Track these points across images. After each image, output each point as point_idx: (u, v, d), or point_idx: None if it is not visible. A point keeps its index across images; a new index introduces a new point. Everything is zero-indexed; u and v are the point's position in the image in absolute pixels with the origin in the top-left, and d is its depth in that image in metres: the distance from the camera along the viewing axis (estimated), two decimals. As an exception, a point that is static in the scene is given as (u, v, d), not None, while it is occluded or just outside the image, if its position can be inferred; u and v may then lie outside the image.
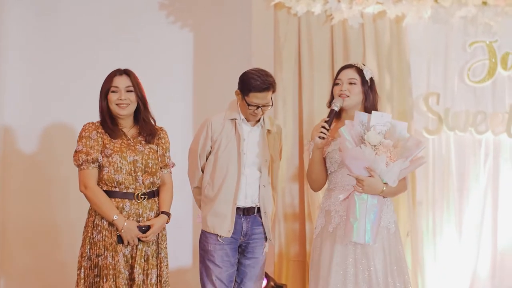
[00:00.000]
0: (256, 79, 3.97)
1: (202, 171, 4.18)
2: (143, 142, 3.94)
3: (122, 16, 5.60)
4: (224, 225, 4.08)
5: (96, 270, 3.78)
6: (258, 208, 4.16)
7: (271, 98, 4.06)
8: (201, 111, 5.48)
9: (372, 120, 3.65)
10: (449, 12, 5.45)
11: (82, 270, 3.81)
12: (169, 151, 4.09)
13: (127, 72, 3.95)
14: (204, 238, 4.16)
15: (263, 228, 4.19)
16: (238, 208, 4.10)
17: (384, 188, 3.62)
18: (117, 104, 3.87)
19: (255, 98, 3.99)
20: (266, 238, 4.21)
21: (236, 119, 4.12)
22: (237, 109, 4.13)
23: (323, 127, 3.77)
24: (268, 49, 5.48)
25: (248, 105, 4.02)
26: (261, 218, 4.16)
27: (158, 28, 5.65)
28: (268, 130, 4.20)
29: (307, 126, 5.42)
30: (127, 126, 3.95)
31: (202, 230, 4.19)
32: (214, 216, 4.10)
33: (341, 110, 3.89)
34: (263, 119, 4.18)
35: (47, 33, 5.52)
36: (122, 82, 3.90)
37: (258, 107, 4.02)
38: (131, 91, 3.91)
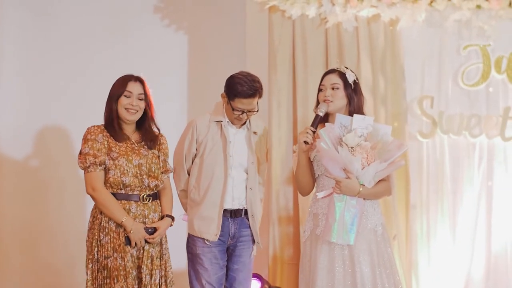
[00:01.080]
0: (242, 85, 3.96)
1: (188, 174, 4.17)
2: (145, 147, 3.99)
3: (117, 19, 5.61)
4: (210, 229, 4.08)
5: (105, 272, 3.82)
6: (246, 211, 4.16)
7: (257, 103, 4.06)
8: (196, 114, 5.44)
9: (354, 123, 3.74)
10: (443, 16, 5.47)
11: (90, 273, 3.84)
12: (168, 156, 4.13)
13: (140, 80, 4.01)
14: (192, 241, 4.16)
15: (251, 230, 4.19)
16: (225, 210, 4.10)
17: (361, 189, 3.69)
18: (126, 109, 3.92)
19: (241, 103, 3.99)
20: (253, 241, 4.22)
21: (221, 121, 4.11)
22: (223, 111, 4.13)
23: (307, 132, 3.81)
24: (263, 52, 5.49)
25: (233, 109, 4.02)
26: (248, 221, 4.17)
27: (153, 31, 5.67)
28: (254, 132, 4.19)
29: (302, 128, 5.37)
30: (130, 131, 3.99)
31: (189, 233, 4.19)
32: (200, 219, 4.10)
33: (327, 115, 3.92)
34: (249, 121, 4.18)
35: (43, 35, 5.53)
36: (136, 88, 3.96)
37: (243, 112, 4.02)
38: (142, 99, 3.97)
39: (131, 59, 5.46)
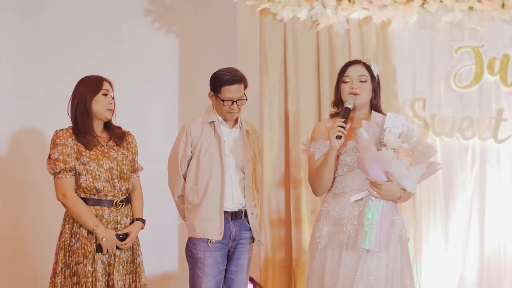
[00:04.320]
0: (225, 74, 4.03)
1: (184, 179, 4.17)
2: (115, 147, 3.95)
3: (108, 22, 5.60)
4: (213, 228, 4.06)
5: (75, 278, 3.78)
6: (246, 212, 4.15)
7: (245, 94, 4.07)
8: (187, 117, 5.46)
9: (386, 122, 3.52)
10: (435, 18, 5.44)
11: (59, 278, 3.80)
12: (137, 155, 4.09)
13: (109, 80, 3.97)
14: (193, 245, 4.13)
15: (251, 232, 4.18)
16: (226, 213, 4.09)
17: (402, 194, 3.51)
18: (108, 109, 3.89)
19: (228, 92, 4.02)
20: (253, 240, 4.21)
21: (214, 121, 4.12)
22: (214, 111, 4.14)
23: (340, 126, 3.54)
24: (254, 54, 5.48)
25: (223, 101, 4.03)
26: (248, 222, 4.16)
27: (144, 34, 5.66)
28: (247, 131, 4.20)
29: (293, 131, 5.42)
30: (98, 130, 3.94)
31: (189, 237, 4.17)
32: (202, 220, 4.08)
33: (342, 108, 3.70)
34: (241, 121, 4.20)
35: (33, 37, 5.51)
36: (110, 88, 3.94)
37: (232, 102, 4.03)
38: (113, 98, 3.95)
39: (121, 62, 5.46)
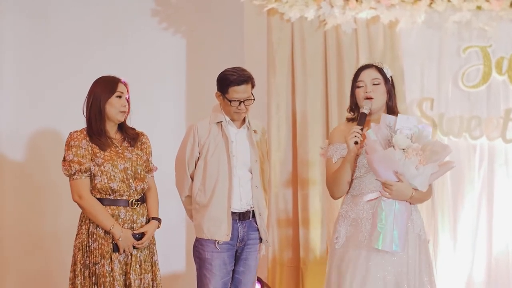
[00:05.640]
0: (232, 74, 4.02)
1: (192, 179, 4.16)
2: (129, 148, 3.97)
3: (115, 22, 5.60)
4: (221, 229, 4.06)
5: (93, 278, 3.81)
6: (253, 213, 4.15)
7: (252, 94, 4.06)
8: (194, 117, 5.46)
9: (398, 123, 3.52)
10: (443, 17, 5.43)
11: (79, 279, 3.83)
12: (151, 155, 4.11)
13: (124, 82, 3.98)
14: (200, 246, 4.13)
15: (259, 233, 4.18)
16: (233, 213, 4.08)
17: (413, 193, 3.50)
18: (121, 111, 3.90)
19: (235, 92, 4.00)
20: (261, 240, 4.20)
21: (221, 121, 4.12)
22: (221, 111, 4.13)
23: (356, 131, 3.57)
24: (261, 54, 5.49)
25: (230, 101, 4.02)
26: (256, 223, 4.15)
27: (151, 34, 5.66)
28: (254, 131, 4.19)
29: (301, 131, 5.42)
30: (112, 131, 3.97)
31: (196, 238, 4.17)
32: (209, 221, 4.08)
33: (358, 113, 3.72)
34: (248, 121, 4.19)
35: (40, 38, 5.52)
36: (124, 90, 3.95)
37: (240, 102, 4.02)
38: (127, 99, 3.96)
39: (129, 62, 5.46)
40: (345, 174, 3.65)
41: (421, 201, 3.70)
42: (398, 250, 3.48)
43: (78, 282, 3.82)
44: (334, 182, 3.71)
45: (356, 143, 3.57)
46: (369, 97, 3.67)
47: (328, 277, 3.75)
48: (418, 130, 3.53)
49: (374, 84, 3.70)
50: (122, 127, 3.99)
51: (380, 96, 3.70)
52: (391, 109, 3.74)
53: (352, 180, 3.69)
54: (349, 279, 3.59)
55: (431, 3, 5.37)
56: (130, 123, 4.04)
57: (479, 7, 5.40)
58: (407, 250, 3.56)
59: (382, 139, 3.50)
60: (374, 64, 3.78)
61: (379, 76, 3.72)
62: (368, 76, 3.72)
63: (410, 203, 3.56)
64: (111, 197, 3.86)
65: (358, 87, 3.73)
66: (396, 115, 3.63)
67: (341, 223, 3.70)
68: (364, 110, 3.65)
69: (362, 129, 3.59)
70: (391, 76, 3.78)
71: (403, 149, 3.45)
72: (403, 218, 3.51)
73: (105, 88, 3.90)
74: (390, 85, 3.75)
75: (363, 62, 5.33)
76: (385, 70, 3.75)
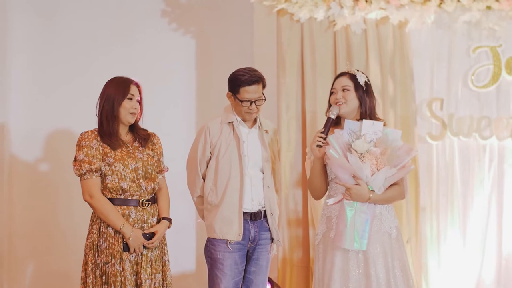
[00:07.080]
0: (243, 75, 4.04)
1: (203, 179, 4.18)
2: (140, 148, 3.99)
3: (125, 23, 5.64)
4: (233, 229, 4.07)
5: (104, 277, 3.83)
6: (265, 213, 4.16)
7: (263, 94, 4.08)
8: (204, 118, 5.49)
9: (363, 129, 3.73)
10: (453, 17, 5.43)
11: (90, 278, 3.85)
12: (163, 156, 4.12)
13: (137, 83, 4.00)
14: (212, 246, 4.14)
15: (270, 233, 4.19)
16: (245, 213, 4.09)
17: (371, 196, 3.70)
18: (131, 113, 3.92)
19: (246, 92, 4.02)
20: (272, 240, 4.21)
21: (233, 121, 4.13)
22: (233, 111, 4.14)
23: (319, 136, 3.80)
24: (271, 55, 5.50)
25: (241, 102, 4.04)
26: (268, 223, 4.16)
27: (161, 35, 5.69)
28: (266, 131, 4.21)
29: (310, 131, 5.42)
30: (123, 132, 3.99)
31: (208, 237, 4.17)
32: (221, 221, 4.08)
33: (339, 117, 3.91)
34: (260, 121, 4.20)
35: (50, 39, 5.56)
36: (136, 91, 3.97)
37: (251, 102, 4.03)
38: (139, 101, 3.98)
39: (138, 63, 5.49)
40: (314, 177, 3.91)
41: (388, 202, 3.85)
42: (360, 249, 3.69)
43: (90, 281, 3.85)
44: (309, 185, 4.01)
45: (319, 146, 3.79)
46: (337, 102, 3.87)
47: (313, 273, 4.03)
48: (382, 135, 3.73)
49: (343, 91, 3.89)
50: (133, 128, 4.01)
51: (349, 101, 3.89)
52: (365, 115, 3.89)
53: (329, 181, 3.92)
54: (320, 274, 3.86)
55: (440, 3, 5.37)
56: (142, 124, 4.06)
57: (488, 7, 5.40)
58: (373, 247, 3.74)
59: (343, 144, 3.72)
60: (348, 72, 3.97)
61: (349, 83, 3.90)
62: (339, 83, 3.93)
63: (374, 204, 3.75)
64: (122, 196, 3.87)
65: (332, 93, 3.96)
66: (376, 120, 3.85)
67: (320, 222, 3.95)
68: (330, 114, 3.86)
69: (327, 133, 3.80)
70: (365, 82, 3.92)
71: (361, 154, 3.67)
72: (364, 218, 3.70)
73: (117, 90, 3.92)
74: (362, 92, 3.91)
75: (372, 62, 5.42)
76: (358, 77, 3.92)
